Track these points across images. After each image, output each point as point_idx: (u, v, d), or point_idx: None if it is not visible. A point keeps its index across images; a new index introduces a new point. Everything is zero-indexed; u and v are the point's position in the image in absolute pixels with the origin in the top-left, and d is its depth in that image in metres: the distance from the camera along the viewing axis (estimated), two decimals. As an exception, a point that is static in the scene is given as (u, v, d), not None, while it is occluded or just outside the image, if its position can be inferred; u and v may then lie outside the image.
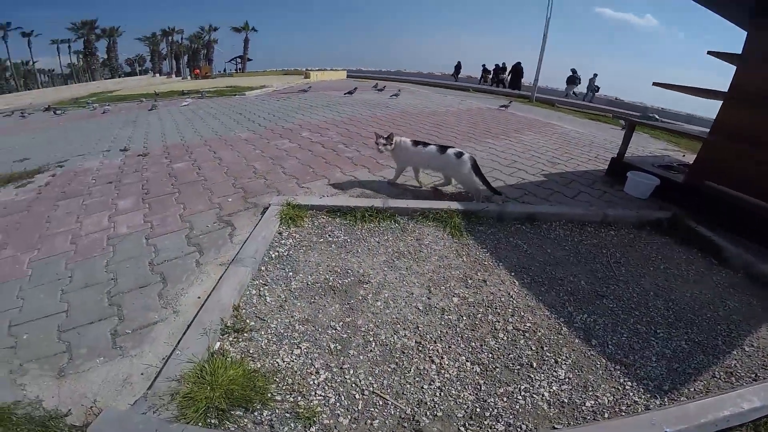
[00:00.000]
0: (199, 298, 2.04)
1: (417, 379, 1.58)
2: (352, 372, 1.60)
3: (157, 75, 37.91)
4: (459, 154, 2.95)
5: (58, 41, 51.93)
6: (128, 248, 2.51)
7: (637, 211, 3.11)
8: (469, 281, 2.14)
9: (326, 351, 1.70)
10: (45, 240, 2.69)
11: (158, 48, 46.84)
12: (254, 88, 12.37)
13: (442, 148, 3.02)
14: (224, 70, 42.30)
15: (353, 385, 1.55)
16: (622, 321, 1.92)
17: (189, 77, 37.60)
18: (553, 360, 1.68)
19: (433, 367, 1.63)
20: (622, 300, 2.08)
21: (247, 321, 1.87)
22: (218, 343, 1.73)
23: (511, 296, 2.06)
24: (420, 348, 1.72)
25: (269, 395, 1.49)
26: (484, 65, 19.38)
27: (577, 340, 1.79)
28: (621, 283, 2.23)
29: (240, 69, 39.00)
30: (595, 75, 14.51)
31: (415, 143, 3.12)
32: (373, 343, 1.74)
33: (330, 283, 2.12)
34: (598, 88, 14.63)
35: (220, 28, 45.68)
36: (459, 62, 20.73)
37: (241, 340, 1.76)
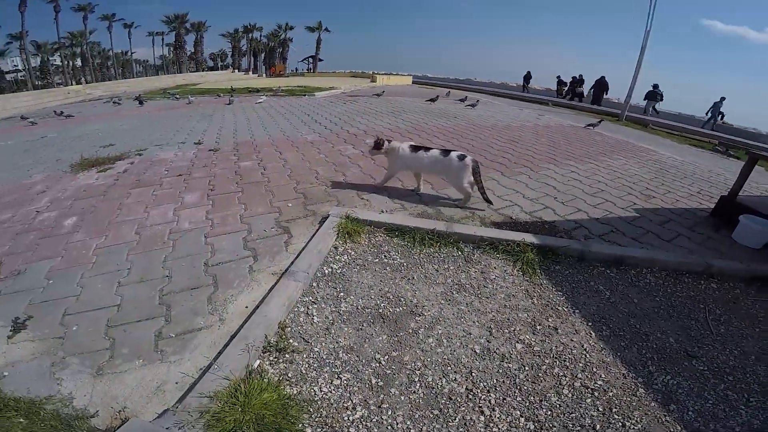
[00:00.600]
0: (246, 308, 2.05)
1: (461, 430, 1.44)
2: (390, 413, 1.50)
3: (236, 71, 41.34)
4: (462, 157, 3.01)
5: (153, 33, 58.94)
6: (187, 245, 2.62)
7: (748, 264, 2.64)
8: (538, 327, 1.98)
9: (367, 386, 1.61)
10: (113, 227, 2.92)
11: (239, 44, 51.03)
12: (323, 90, 12.87)
13: (445, 152, 3.07)
14: (295, 69, 44.95)
15: (389, 427, 1.44)
16: (711, 386, 1.72)
17: (264, 75, 40.56)
18: (620, 423, 1.50)
19: (482, 419, 1.49)
20: (715, 362, 1.85)
21: (291, 341, 1.83)
22: (258, 361, 1.71)
23: (585, 349, 1.85)
24: (470, 396, 1.58)
25: (300, 426, 1.43)
26: (559, 77, 18.40)
27: (653, 404, 1.60)
28: (717, 343, 1.98)
29: (311, 69, 41.10)
30: (723, 99, 12.60)
31: (414, 148, 3.17)
32: (418, 384, 1.62)
33: (380, 311, 2.03)
34: (723, 114, 12.76)
35: (296, 27, 48.77)
36: (528, 72, 19.85)
37: (281, 360, 1.72)
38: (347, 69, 32.27)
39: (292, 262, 2.33)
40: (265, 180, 3.79)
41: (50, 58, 41.32)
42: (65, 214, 3.20)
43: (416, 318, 1.97)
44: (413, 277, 2.30)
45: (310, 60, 41.46)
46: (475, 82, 21.21)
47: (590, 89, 16.37)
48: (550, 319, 2.03)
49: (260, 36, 50.42)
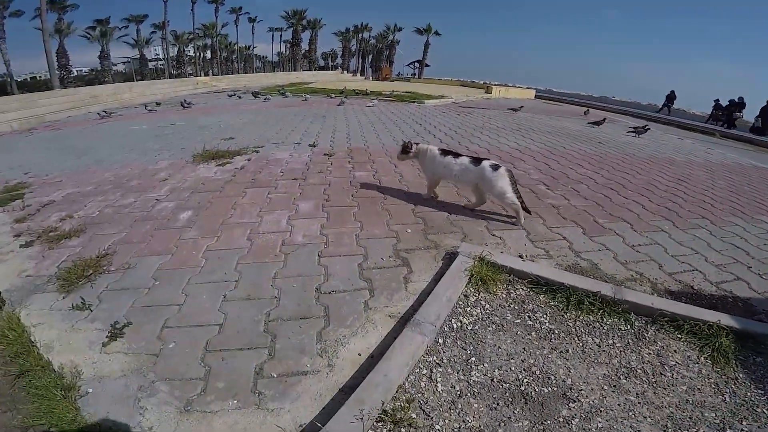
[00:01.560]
0: (359, 355, 1.83)
1: None
2: None
3: (345, 72, 44.06)
4: (495, 166, 2.94)
5: (273, 29, 65.91)
6: (299, 262, 2.53)
7: None
8: (728, 431, 1.61)
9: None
10: (226, 229, 2.98)
11: (349, 44, 54.30)
12: (433, 98, 12.79)
13: (476, 160, 3.01)
14: (398, 74, 46.26)
15: None
16: None
17: (371, 77, 42.51)
18: None
19: None
20: None
21: (410, 412, 1.54)
22: (369, 433, 1.45)
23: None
24: None
25: None
26: (717, 100, 15.93)
27: None
28: None
29: (416, 74, 41.86)
30: None
31: (444, 152, 3.13)
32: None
33: (522, 388, 1.69)
34: None
35: (404, 29, 49.96)
36: (672, 92, 17.45)
37: (395, 436, 1.44)
38: (455, 77, 32.16)
39: (414, 308, 2.09)
40: (381, 196, 3.63)
41: (185, 49, 48.37)
42: (182, 206, 3.39)
43: (569, 404, 1.66)
44: (567, 351, 1.92)
45: (416, 65, 42.28)
46: (612, 100, 19.25)
47: (757, 116, 13.75)
48: (744, 422, 1.68)
49: (369, 37, 53.01)
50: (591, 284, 2.32)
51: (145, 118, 10.19)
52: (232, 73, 50.30)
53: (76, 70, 38.55)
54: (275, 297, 2.21)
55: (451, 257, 2.60)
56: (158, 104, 13.00)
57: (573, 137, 7.32)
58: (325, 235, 2.88)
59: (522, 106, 11.75)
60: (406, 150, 3.30)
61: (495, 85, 19.85)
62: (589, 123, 9.10)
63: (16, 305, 2.19)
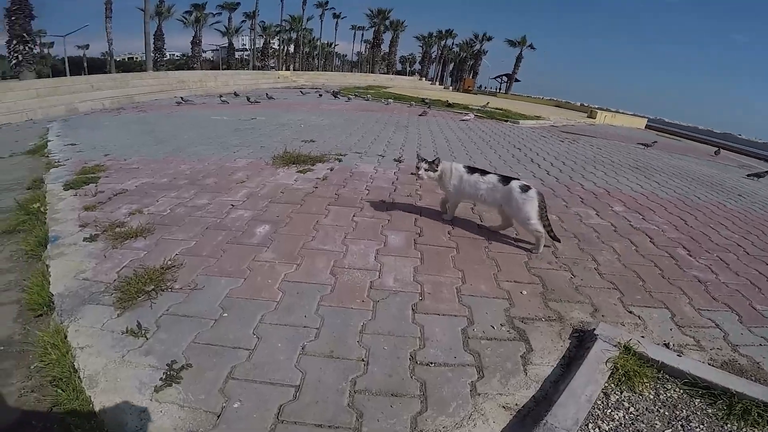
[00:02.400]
0: (466, 463, 1.38)
1: None
2: None
3: (423, 79, 44.18)
4: (525, 188, 2.82)
5: (355, 27, 67.86)
6: (390, 315, 2.14)
7: None
8: None
9: None
10: (307, 255, 2.68)
11: (430, 50, 54.32)
12: (528, 118, 12.06)
13: (504, 179, 2.89)
14: (480, 86, 45.24)
15: None
16: None
17: (451, 87, 42.16)
18: None
19: None
20: None
21: None
22: None
23: None
24: None
25: None
26: None
27: None
28: None
29: (500, 89, 40.77)
30: None
31: (471, 170, 3.02)
32: None
33: None
34: None
35: (494, 39, 48.87)
36: None
37: None
38: (546, 95, 30.76)
39: (536, 399, 1.69)
40: (484, 239, 3.16)
41: (270, 41, 51.13)
42: (259, 217, 3.18)
43: None
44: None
45: (504, 78, 41.18)
46: (740, 139, 17.08)
47: None
48: None
49: (452, 44, 52.52)
50: (763, 392, 1.76)
51: (227, 108, 10.64)
52: (312, 70, 52.49)
53: (169, 54, 42.25)
54: (362, 360, 1.85)
55: (581, 338, 2.10)
56: (236, 95, 13.60)
57: (705, 184, 6.32)
58: (420, 283, 2.48)
59: (655, 141, 10.56)
60: (433, 168, 3.07)
61: (598, 109, 18.47)
62: (749, 175, 7.71)
63: (66, 316, 2.03)
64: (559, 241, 3.06)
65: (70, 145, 6.06)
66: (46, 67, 41.66)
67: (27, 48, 20.41)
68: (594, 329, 2.15)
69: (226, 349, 1.85)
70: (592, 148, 8.15)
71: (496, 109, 13.47)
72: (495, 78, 41.58)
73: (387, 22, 48.09)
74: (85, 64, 48.50)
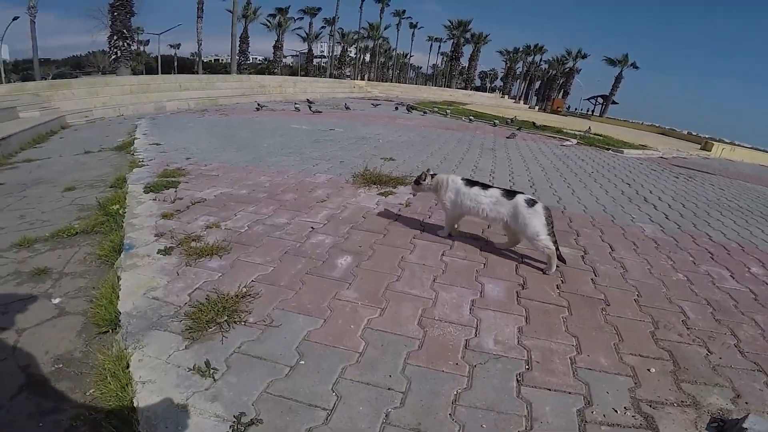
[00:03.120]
0: None
1: None
2: None
3: (506, 96, 43.19)
4: (531, 202, 2.79)
5: (432, 38, 67.93)
6: (490, 386, 1.83)
7: None
8: None
9: None
10: (392, 298, 2.44)
11: (514, 66, 53.01)
12: (632, 147, 11.12)
13: (509, 193, 2.88)
14: (568, 107, 43.04)
15: None
16: None
17: (537, 107, 40.76)
18: None
19: None
20: None
21: None
22: None
23: None
24: None
25: None
26: None
27: None
28: None
29: (595, 112, 38.68)
30: None
31: (470, 183, 3.00)
32: None
33: None
34: None
35: (590, 56, 46.49)
36: None
37: None
38: (648, 120, 28.65)
39: None
40: (601, 297, 2.74)
41: (348, 49, 52.74)
42: (340, 246, 3.02)
43: None
44: None
45: (600, 100, 39.11)
46: None
47: None
48: None
49: (540, 60, 50.83)
50: None
51: (303, 117, 10.96)
52: (386, 80, 53.44)
53: (252, 58, 45.16)
54: (455, 442, 1.56)
55: (721, 429, 1.72)
56: (310, 103, 14.00)
57: None
58: (526, 349, 2.14)
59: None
60: (419, 181, 3.14)
61: (712, 140, 16.69)
62: None
63: (131, 341, 1.95)
64: (564, 261, 2.97)
65: (154, 144, 6.45)
66: (141, 65, 46.46)
67: (126, 44, 22.27)
68: (741, 421, 1.72)
69: (302, 406, 1.65)
70: (713, 189, 7.23)
71: (595, 134, 12.59)
72: (589, 99, 39.67)
73: (468, 35, 47.53)
74: (176, 64, 53.46)
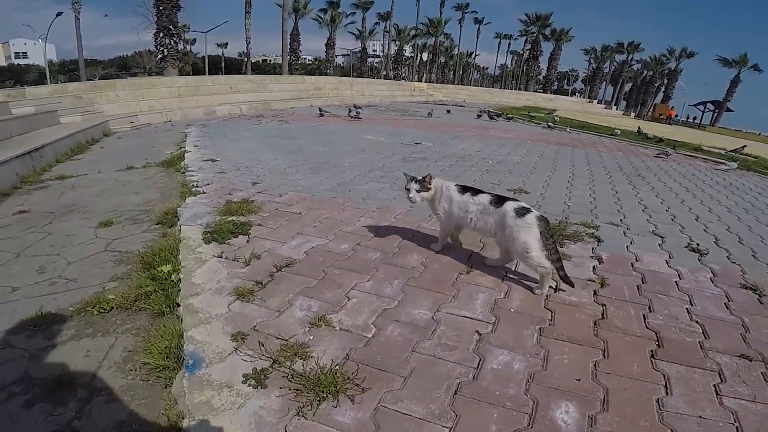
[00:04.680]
0: None
1: None
2: None
3: (594, 101, 40.60)
4: (522, 211, 2.58)
5: (500, 35, 65.70)
6: None
7: None
8: None
9: None
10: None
11: (602, 66, 49.98)
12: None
13: (499, 200, 2.71)
14: (677, 115, 39.86)
15: None
16: None
17: (631, 113, 38.12)
18: None
19: None
20: None
21: None
22: None
23: None
24: None
25: None
26: None
27: None
28: None
29: (703, 120, 35.54)
30: None
31: (463, 189, 2.89)
32: None
33: None
34: None
35: (698, 55, 42.69)
36: None
37: None
38: (764, 131, 25.75)
39: None
40: None
41: (404, 48, 51.53)
42: (539, 375, 1.88)
43: None
44: None
45: (711, 107, 35.92)
46: None
47: None
48: None
49: (631, 59, 47.40)
50: None
51: (379, 126, 10.16)
52: (446, 82, 52.22)
53: (301, 57, 45.26)
54: None
55: None
56: (358, 109, 13.12)
57: None
58: None
59: None
60: (425, 186, 2.92)
61: None
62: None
63: None
64: (572, 285, 2.59)
65: (209, 161, 5.71)
66: (187, 65, 48.13)
67: (172, 42, 22.17)
68: None
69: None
70: None
71: (748, 155, 10.72)
72: (696, 105, 36.46)
73: (547, 31, 45.14)
74: (223, 64, 55.11)
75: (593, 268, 3.02)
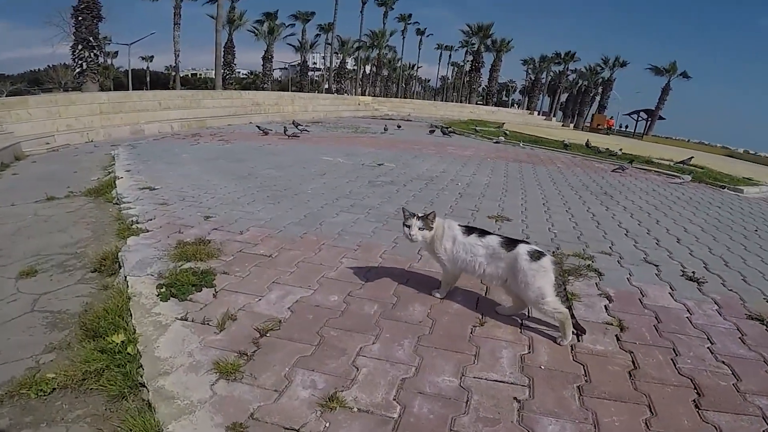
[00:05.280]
0: None
1: None
2: None
3: (535, 113, 42.41)
4: (536, 255, 2.47)
5: (441, 46, 67.64)
6: None
7: None
8: None
9: None
10: None
11: (540, 77, 52.46)
12: (750, 183, 9.93)
13: (510, 242, 2.59)
14: (620, 126, 42.29)
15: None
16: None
17: (571, 125, 40.10)
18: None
19: None
20: None
21: None
22: None
23: None
24: None
25: None
26: None
27: None
28: None
29: (637, 129, 37.97)
30: None
31: (468, 230, 2.76)
32: None
33: None
34: None
35: (630, 65, 45.09)
36: None
37: None
38: (697, 139, 27.99)
39: None
40: None
41: (346, 60, 51.48)
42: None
43: None
44: None
45: (643, 115, 38.38)
46: None
47: None
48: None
49: (566, 69, 49.95)
50: None
51: (332, 144, 9.86)
52: (389, 95, 52.71)
53: (237, 71, 43.77)
54: None
55: None
56: (298, 125, 12.81)
57: None
58: None
59: None
60: (428, 225, 2.74)
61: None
62: None
63: None
64: (584, 332, 2.54)
65: (147, 189, 5.21)
66: (108, 80, 45.51)
67: (92, 55, 20.63)
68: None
69: None
70: None
71: (698, 167, 11.41)
72: (630, 114, 38.73)
73: (489, 41, 46.57)
74: (148, 79, 52.43)
75: (605, 308, 2.90)
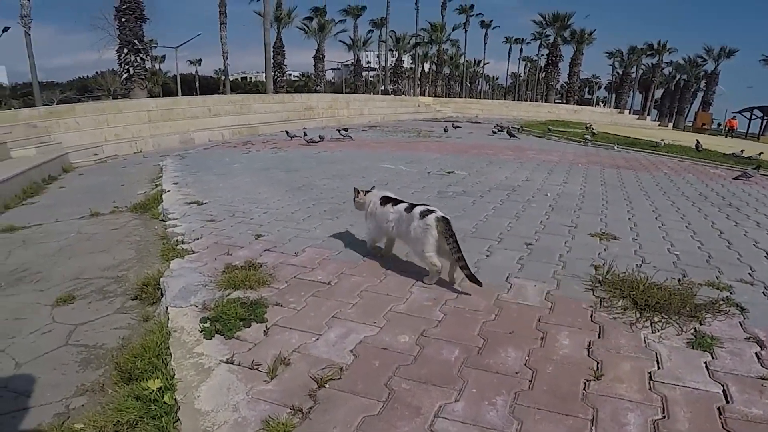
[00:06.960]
0: None
1: None
2: None
3: (626, 111, 40.54)
4: (425, 214, 3.10)
5: (511, 40, 66.31)
6: None
7: None
8: None
9: None
10: None
11: (629, 71, 50.07)
12: None
13: (411, 206, 3.25)
14: (718, 125, 39.72)
15: None
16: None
17: (668, 124, 38.05)
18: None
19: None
20: None
21: None
22: None
23: None
24: None
25: None
26: None
27: None
28: None
29: (750, 129, 35.49)
30: None
31: (386, 200, 3.47)
32: None
33: None
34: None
35: (739, 52, 42.38)
36: None
37: None
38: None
39: None
40: None
41: (402, 58, 51.17)
42: None
43: None
44: None
45: (757, 113, 35.95)
46: None
47: None
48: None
49: (660, 61, 47.34)
50: None
51: (391, 150, 9.75)
52: (452, 95, 52.25)
53: (288, 73, 44.65)
54: None
55: None
56: (345, 130, 12.70)
57: None
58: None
59: None
60: (360, 197, 3.69)
61: None
62: None
63: None
64: (480, 284, 2.94)
65: (195, 203, 5.24)
66: (157, 86, 48.02)
67: (139, 59, 21.43)
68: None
69: None
70: None
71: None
72: (741, 112, 36.43)
73: (567, 33, 45.09)
74: (197, 83, 55.00)
75: (757, 356, 2.45)
